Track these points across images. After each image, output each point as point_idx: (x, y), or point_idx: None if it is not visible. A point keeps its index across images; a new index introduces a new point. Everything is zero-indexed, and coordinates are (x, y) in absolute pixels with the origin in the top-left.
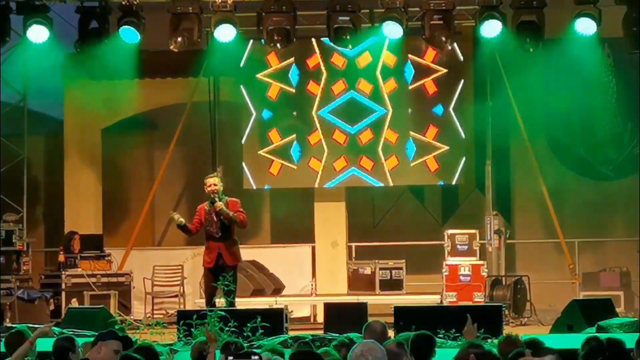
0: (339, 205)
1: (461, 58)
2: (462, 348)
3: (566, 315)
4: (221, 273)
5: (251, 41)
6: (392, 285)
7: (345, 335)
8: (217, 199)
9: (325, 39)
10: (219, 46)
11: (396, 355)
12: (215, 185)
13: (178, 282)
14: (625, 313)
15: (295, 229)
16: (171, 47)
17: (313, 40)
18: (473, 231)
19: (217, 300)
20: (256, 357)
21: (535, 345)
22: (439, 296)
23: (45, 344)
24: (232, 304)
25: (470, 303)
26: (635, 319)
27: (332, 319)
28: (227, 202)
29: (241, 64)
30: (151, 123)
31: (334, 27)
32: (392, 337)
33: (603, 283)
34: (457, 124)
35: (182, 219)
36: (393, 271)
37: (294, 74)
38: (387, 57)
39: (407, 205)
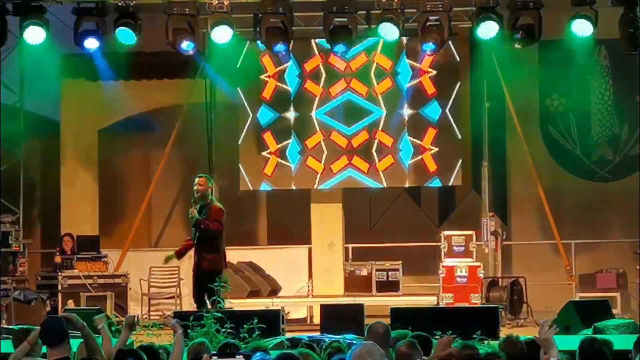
0: (336, 207)
1: (458, 59)
2: (455, 350)
3: (563, 317)
4: (203, 280)
5: (248, 42)
6: (389, 286)
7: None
8: (193, 204)
9: (322, 40)
10: (216, 47)
11: (408, 356)
12: (200, 185)
13: (174, 284)
14: (621, 314)
15: (292, 230)
16: (186, 52)
17: (310, 41)
18: (469, 232)
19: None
20: (240, 356)
21: (535, 346)
22: (435, 297)
23: None
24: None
25: (466, 304)
26: (632, 320)
27: (329, 320)
28: (211, 207)
29: (238, 65)
30: (148, 124)
31: (331, 28)
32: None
33: (599, 284)
34: (454, 125)
35: (172, 254)
36: (389, 272)
37: (290, 75)
38: (384, 59)
39: (404, 206)
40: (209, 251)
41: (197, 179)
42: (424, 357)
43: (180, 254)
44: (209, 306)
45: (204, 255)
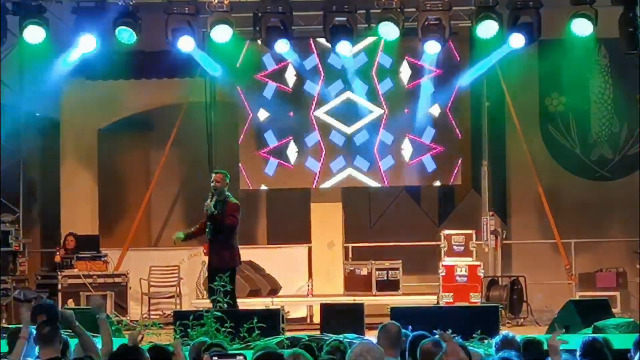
0: (336, 206)
1: (458, 58)
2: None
3: (562, 316)
4: (216, 277)
5: (247, 41)
6: (389, 285)
7: (337, 337)
8: (210, 197)
9: (322, 39)
10: (216, 47)
11: (432, 355)
12: (217, 182)
13: (174, 283)
14: (621, 314)
15: (292, 229)
16: (183, 49)
17: (310, 40)
18: (469, 232)
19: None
20: (241, 357)
21: (533, 346)
22: (435, 297)
23: None
24: (228, 305)
25: (466, 304)
26: (632, 319)
27: (329, 320)
28: (227, 203)
29: (237, 65)
30: (147, 124)
31: (330, 27)
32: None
33: (599, 283)
34: (454, 124)
35: (181, 234)
36: (389, 272)
37: (290, 74)
38: (384, 58)
39: (404, 205)
40: (222, 247)
41: (213, 175)
42: None
43: (189, 236)
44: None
45: (216, 251)
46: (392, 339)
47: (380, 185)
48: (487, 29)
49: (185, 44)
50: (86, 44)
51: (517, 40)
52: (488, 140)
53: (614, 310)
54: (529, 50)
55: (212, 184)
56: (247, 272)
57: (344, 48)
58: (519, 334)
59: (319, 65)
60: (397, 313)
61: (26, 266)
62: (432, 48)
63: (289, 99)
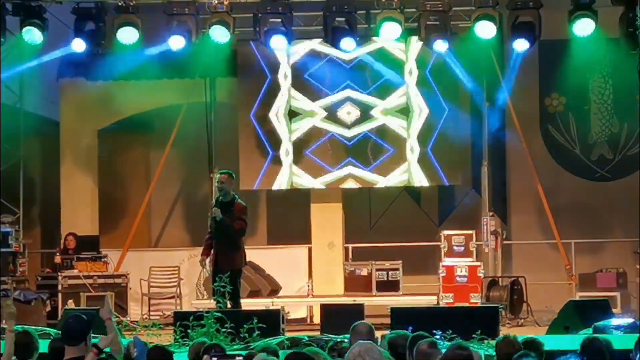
0: (336, 207)
1: (458, 59)
2: (449, 349)
3: (563, 316)
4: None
5: (247, 42)
6: (389, 286)
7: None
8: (215, 202)
9: (322, 40)
10: (215, 47)
11: (428, 355)
12: (222, 182)
13: (174, 284)
14: (621, 314)
15: (292, 230)
16: (172, 47)
17: (309, 41)
18: (469, 232)
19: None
20: (240, 357)
21: (533, 346)
22: (435, 297)
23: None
24: (233, 305)
25: (466, 304)
26: (632, 319)
27: (329, 320)
28: (234, 204)
29: (237, 65)
30: (147, 124)
31: (331, 28)
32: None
33: (599, 284)
34: (454, 124)
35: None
36: (389, 272)
37: (289, 75)
38: (383, 58)
39: (404, 206)
40: (230, 248)
41: (218, 176)
42: None
43: (207, 256)
44: (228, 305)
45: (224, 253)
46: (363, 338)
47: (380, 185)
48: (486, 29)
49: (182, 43)
50: (77, 46)
51: (520, 44)
52: (488, 141)
53: (614, 310)
54: (529, 50)
55: (217, 185)
56: (247, 273)
57: (348, 44)
58: (519, 335)
59: (319, 65)
60: (397, 313)
61: (26, 267)
62: (438, 48)
63: (289, 98)
